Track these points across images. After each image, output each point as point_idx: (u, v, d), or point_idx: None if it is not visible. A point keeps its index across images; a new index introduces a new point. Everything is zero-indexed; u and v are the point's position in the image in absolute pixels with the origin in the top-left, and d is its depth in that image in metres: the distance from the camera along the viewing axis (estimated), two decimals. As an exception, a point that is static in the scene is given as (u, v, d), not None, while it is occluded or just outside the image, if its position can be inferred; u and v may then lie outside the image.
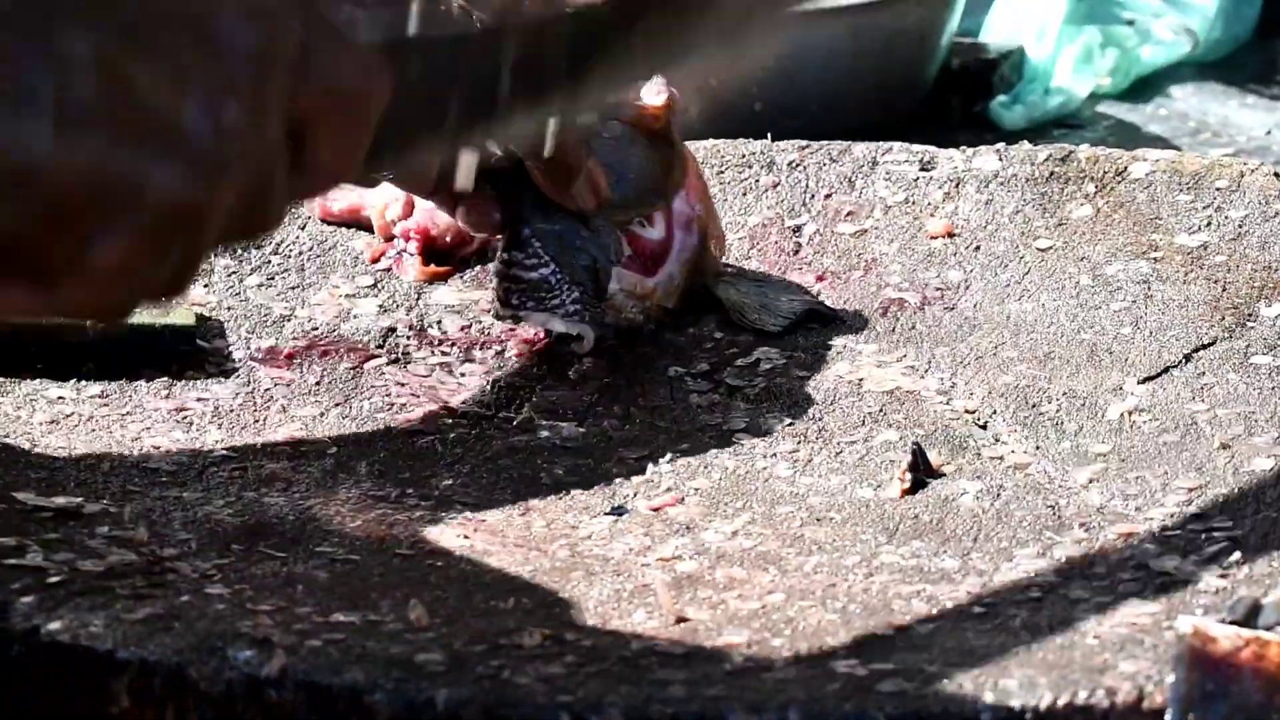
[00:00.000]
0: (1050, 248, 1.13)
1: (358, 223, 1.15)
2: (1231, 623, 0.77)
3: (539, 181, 1.04)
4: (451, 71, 0.71)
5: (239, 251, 1.13)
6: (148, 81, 0.47)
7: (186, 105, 0.47)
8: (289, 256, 1.14)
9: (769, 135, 1.20)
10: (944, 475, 0.94)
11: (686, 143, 1.11)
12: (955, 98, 1.57)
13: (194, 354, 1.05)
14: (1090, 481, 0.93)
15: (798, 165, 1.19)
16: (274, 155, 0.53)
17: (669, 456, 0.97)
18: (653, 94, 1.06)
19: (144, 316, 1.03)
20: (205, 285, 1.11)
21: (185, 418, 1.00)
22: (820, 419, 1.00)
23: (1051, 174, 1.17)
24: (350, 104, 0.58)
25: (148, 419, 1.00)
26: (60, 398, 1.01)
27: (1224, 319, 1.06)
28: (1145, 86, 1.65)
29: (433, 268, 1.11)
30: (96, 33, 0.46)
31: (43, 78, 0.46)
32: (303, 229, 1.15)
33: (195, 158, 0.49)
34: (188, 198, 0.50)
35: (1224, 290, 1.08)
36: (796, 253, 1.15)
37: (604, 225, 1.06)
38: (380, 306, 1.10)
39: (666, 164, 1.07)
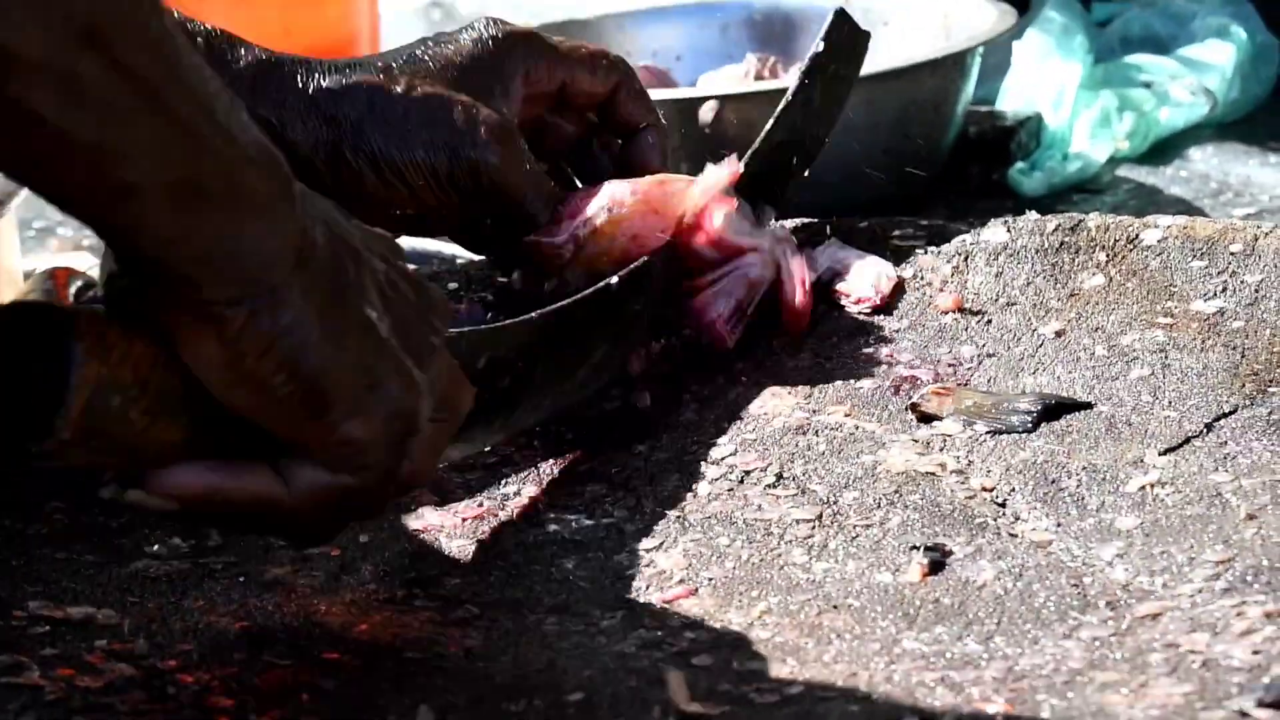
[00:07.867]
0: (1063, 319, 1.10)
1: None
2: (1269, 704, 0.74)
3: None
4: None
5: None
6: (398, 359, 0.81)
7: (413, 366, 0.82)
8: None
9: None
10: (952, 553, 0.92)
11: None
12: (974, 166, 1.55)
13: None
14: (1115, 558, 0.91)
15: (804, 243, 1.17)
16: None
17: (681, 547, 0.95)
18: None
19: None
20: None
21: (186, 523, 0.98)
22: (835, 502, 0.97)
23: (1061, 244, 1.15)
24: (452, 415, 0.85)
25: (148, 525, 0.98)
26: (59, 507, 0.99)
27: (1244, 386, 1.03)
28: (1165, 149, 1.63)
29: None
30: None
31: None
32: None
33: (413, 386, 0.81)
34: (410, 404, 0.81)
35: (1243, 357, 1.05)
36: (812, 331, 1.13)
37: None
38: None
39: None
